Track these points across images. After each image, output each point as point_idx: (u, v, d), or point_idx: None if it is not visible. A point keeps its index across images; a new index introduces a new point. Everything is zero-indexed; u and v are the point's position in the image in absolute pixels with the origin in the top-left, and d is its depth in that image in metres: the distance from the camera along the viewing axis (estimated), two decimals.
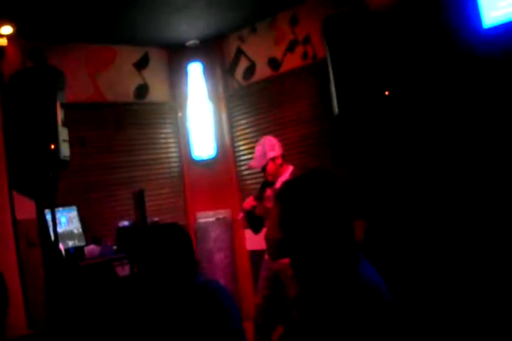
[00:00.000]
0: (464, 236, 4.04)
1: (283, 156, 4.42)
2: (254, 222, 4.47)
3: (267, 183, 4.46)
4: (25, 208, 4.98)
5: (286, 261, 4.11)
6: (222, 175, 6.37)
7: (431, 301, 4.03)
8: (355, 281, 1.80)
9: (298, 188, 1.93)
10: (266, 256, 4.40)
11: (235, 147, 6.35)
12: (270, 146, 4.38)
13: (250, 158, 6.07)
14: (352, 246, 1.89)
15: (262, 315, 4.34)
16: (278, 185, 4.34)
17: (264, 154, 4.36)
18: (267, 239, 4.40)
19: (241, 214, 4.53)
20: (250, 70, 6.15)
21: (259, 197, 4.42)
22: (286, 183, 2.02)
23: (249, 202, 4.41)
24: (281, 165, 4.36)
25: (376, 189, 4.58)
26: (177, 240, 2.42)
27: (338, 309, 1.76)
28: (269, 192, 4.42)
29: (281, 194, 1.97)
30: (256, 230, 4.53)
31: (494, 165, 3.97)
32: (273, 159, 4.35)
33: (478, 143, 4.04)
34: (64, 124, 4.66)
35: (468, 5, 4.02)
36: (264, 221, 4.39)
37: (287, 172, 4.35)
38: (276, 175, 4.37)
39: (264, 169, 4.40)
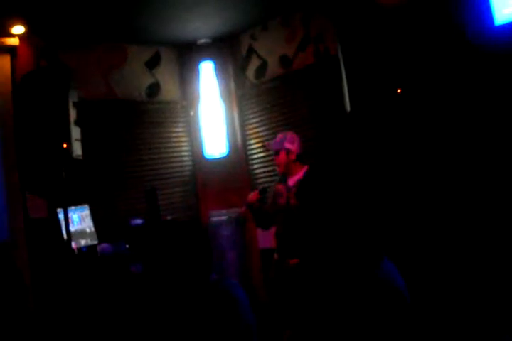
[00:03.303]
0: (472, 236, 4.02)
1: (300, 156, 4.39)
2: (259, 217, 4.47)
3: (281, 179, 4.45)
4: (38, 206, 5.01)
5: (294, 261, 4.12)
6: (234, 174, 6.36)
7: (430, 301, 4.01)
8: (376, 278, 1.79)
9: (317, 188, 1.94)
10: (275, 255, 4.39)
11: (247, 145, 6.34)
12: (290, 139, 4.38)
13: (262, 157, 6.11)
14: (373, 245, 1.88)
15: (271, 314, 4.33)
16: (291, 182, 4.33)
17: (282, 142, 4.36)
18: (277, 237, 4.40)
19: (243, 208, 4.53)
20: (262, 68, 6.14)
21: (263, 191, 4.44)
22: (304, 184, 2.02)
23: (253, 195, 4.41)
24: (293, 161, 4.34)
25: (388, 186, 4.56)
26: (192, 237, 2.42)
27: (358, 304, 1.75)
28: (281, 188, 4.40)
29: (301, 195, 1.98)
30: (263, 226, 4.53)
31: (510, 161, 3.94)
32: (287, 151, 4.33)
33: (490, 140, 4.01)
34: (76, 123, 4.68)
35: (479, 1, 3.99)
36: (274, 217, 4.38)
37: (301, 172, 4.33)
38: (288, 170, 4.35)
39: (276, 154, 4.39)
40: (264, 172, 6.07)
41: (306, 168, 4.36)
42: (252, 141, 6.29)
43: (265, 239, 5.40)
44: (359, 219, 1.88)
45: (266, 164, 6.06)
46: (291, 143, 4.36)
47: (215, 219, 6.21)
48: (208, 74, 6.44)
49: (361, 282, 1.82)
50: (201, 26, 5.89)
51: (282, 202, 4.33)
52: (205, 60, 6.43)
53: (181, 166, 6.51)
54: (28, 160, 4.93)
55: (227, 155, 6.39)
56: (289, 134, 4.43)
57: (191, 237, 2.41)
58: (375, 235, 1.92)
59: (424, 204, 4.31)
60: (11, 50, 5.13)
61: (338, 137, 5.23)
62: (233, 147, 6.38)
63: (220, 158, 6.40)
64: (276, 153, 4.39)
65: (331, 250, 1.88)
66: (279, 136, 4.45)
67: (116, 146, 5.94)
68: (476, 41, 3.98)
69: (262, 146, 5.83)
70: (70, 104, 4.63)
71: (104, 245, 5.15)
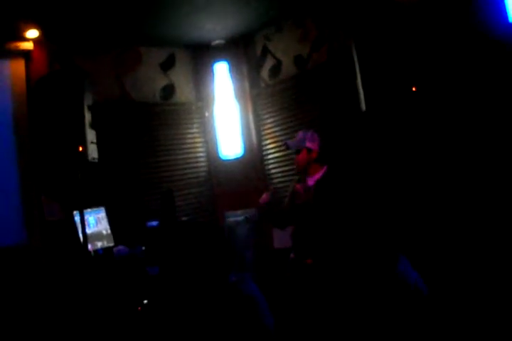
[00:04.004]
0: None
1: (320, 156, 4.37)
2: (273, 217, 4.47)
3: (299, 179, 4.44)
4: (55, 210, 5.03)
5: (310, 261, 4.10)
6: (249, 174, 6.34)
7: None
8: (392, 279, 1.78)
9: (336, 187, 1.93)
10: (292, 255, 4.38)
11: (263, 146, 6.33)
12: (311, 138, 4.36)
13: (278, 157, 6.09)
14: (390, 244, 1.87)
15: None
16: (310, 182, 4.31)
17: (303, 141, 4.34)
18: (294, 237, 4.39)
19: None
20: (276, 68, 6.12)
21: (273, 193, 4.45)
22: (322, 184, 2.01)
23: (264, 198, 4.41)
24: (315, 160, 4.32)
25: (403, 184, 4.53)
26: (209, 238, 2.42)
27: (375, 306, 1.75)
28: (299, 188, 4.38)
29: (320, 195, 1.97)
30: (279, 226, 4.53)
31: None
32: (309, 150, 4.31)
33: (508, 136, 3.97)
34: (91, 126, 4.69)
35: (495, 0, 3.96)
36: (291, 217, 4.36)
37: (320, 172, 4.31)
38: (306, 170, 4.33)
39: (297, 153, 4.37)
40: (279, 172, 6.05)
41: (325, 168, 4.34)
42: (268, 141, 6.27)
43: (281, 239, 5.39)
44: (376, 219, 1.87)
45: (281, 164, 6.04)
46: (312, 141, 4.34)
47: (230, 219, 6.21)
48: (222, 74, 6.44)
49: (381, 280, 1.81)
50: (215, 27, 5.89)
51: (300, 203, 4.31)
52: (219, 60, 6.43)
53: (197, 167, 6.51)
54: (43, 163, 4.96)
55: (243, 156, 6.38)
56: (310, 133, 4.41)
57: (208, 238, 2.41)
58: (392, 235, 1.91)
59: (443, 201, 4.28)
60: (26, 54, 5.17)
61: (355, 136, 5.20)
62: (248, 147, 6.37)
63: (235, 159, 6.39)
64: (298, 151, 4.37)
65: (348, 250, 1.88)
66: (300, 134, 4.42)
67: (132, 148, 5.95)
68: (491, 38, 3.95)
69: (283, 145, 5.82)
70: (85, 107, 4.64)
71: (121, 247, 5.16)
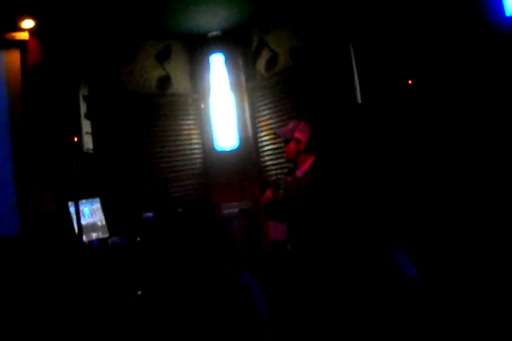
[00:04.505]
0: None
1: (310, 146, 4.37)
2: (276, 210, 4.47)
3: (289, 170, 4.45)
4: (49, 200, 5.02)
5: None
6: (245, 166, 6.35)
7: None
8: (389, 273, 1.78)
9: (328, 181, 1.93)
10: (288, 247, 4.38)
11: (258, 138, 6.32)
12: (301, 129, 4.36)
13: (273, 149, 6.09)
14: (385, 238, 1.87)
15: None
16: (299, 174, 4.31)
17: (293, 131, 4.35)
18: (289, 229, 4.38)
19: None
20: (272, 60, 6.10)
21: (277, 186, 4.44)
22: (315, 176, 2.01)
23: (269, 193, 4.40)
24: (303, 151, 4.33)
25: (399, 177, 4.53)
26: (204, 229, 2.42)
27: (373, 300, 1.74)
28: (290, 180, 4.39)
29: (313, 189, 1.97)
30: (279, 218, 4.53)
31: None
32: (297, 141, 4.32)
33: (503, 131, 3.97)
34: (87, 117, 4.69)
35: None
36: (286, 209, 4.37)
37: (307, 162, 4.31)
38: (297, 162, 4.34)
39: (285, 143, 4.38)
40: (275, 164, 6.05)
41: (312, 158, 4.34)
42: (263, 133, 6.26)
43: (277, 230, 5.40)
44: (368, 211, 1.86)
45: (277, 156, 6.04)
46: (301, 132, 4.35)
47: (226, 211, 6.21)
48: (218, 66, 6.42)
49: (375, 271, 1.81)
50: (211, 19, 5.87)
51: (292, 195, 4.33)
52: (215, 52, 6.41)
53: (192, 159, 6.51)
54: (38, 153, 4.95)
55: (238, 148, 6.38)
56: (301, 124, 4.42)
57: (203, 229, 2.41)
58: (384, 226, 1.91)
59: (434, 196, 4.28)
60: (21, 44, 5.15)
61: (350, 128, 5.20)
62: (244, 139, 6.37)
63: (230, 151, 6.40)
64: (287, 141, 4.38)
65: (341, 240, 1.88)
66: (291, 124, 4.43)
67: (127, 139, 5.94)
68: (488, 31, 3.95)
69: (273, 133, 5.80)
70: (81, 98, 4.64)
71: (115, 238, 5.16)
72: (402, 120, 4.49)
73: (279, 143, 4.81)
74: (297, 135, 4.32)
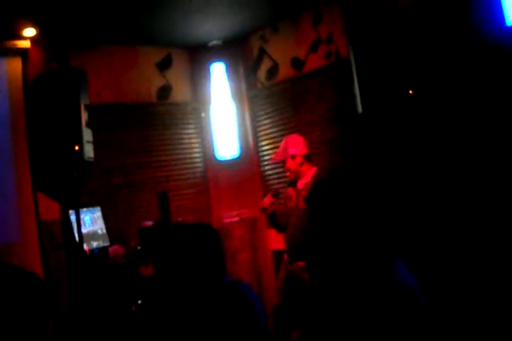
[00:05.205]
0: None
1: (307, 156, 4.37)
2: (275, 220, 4.45)
3: (290, 183, 4.44)
4: (50, 208, 5.02)
5: (302, 263, 4.08)
6: (245, 175, 6.35)
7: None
8: (388, 283, 1.77)
9: (326, 191, 1.92)
10: (285, 257, 4.38)
11: (259, 147, 6.33)
12: (293, 143, 4.36)
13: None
14: (385, 247, 1.87)
15: (280, 315, 4.31)
16: (300, 185, 4.31)
17: (285, 149, 4.35)
18: (287, 239, 4.39)
19: (258, 213, 4.52)
20: (273, 70, 6.12)
21: (276, 194, 4.41)
22: (313, 187, 2.00)
23: (267, 199, 4.37)
24: (300, 164, 4.32)
25: (401, 188, 4.53)
26: (205, 240, 2.42)
27: (371, 312, 1.74)
28: (291, 191, 4.40)
29: (310, 198, 1.96)
30: (279, 228, 4.51)
31: None
32: (293, 156, 4.32)
33: (504, 141, 3.97)
34: (88, 126, 4.69)
35: (492, 3, 3.97)
36: (286, 220, 4.37)
37: (310, 174, 4.31)
38: (298, 174, 4.34)
39: (284, 163, 4.40)
40: (276, 173, 6.05)
41: (314, 169, 4.34)
42: (264, 143, 6.27)
43: (277, 240, 5.40)
44: (369, 222, 1.86)
45: (277, 165, 6.02)
46: (294, 146, 4.34)
47: (226, 220, 6.21)
48: (219, 75, 6.44)
49: (375, 283, 1.80)
50: (212, 28, 5.88)
51: (292, 205, 4.33)
52: (216, 61, 6.43)
53: (193, 168, 6.50)
54: (40, 162, 4.95)
55: (239, 157, 6.38)
56: (291, 138, 4.43)
57: (202, 239, 2.41)
58: (386, 236, 1.90)
59: (436, 205, 4.28)
60: (23, 52, 5.15)
61: (350, 139, 5.20)
62: (245, 148, 6.37)
63: (231, 160, 6.40)
64: (283, 161, 4.39)
65: (341, 251, 1.87)
66: (282, 143, 4.45)
67: (128, 148, 5.93)
68: (488, 42, 3.96)
69: (270, 163, 5.81)
70: (82, 107, 4.64)
71: (116, 247, 5.16)
72: (403, 129, 4.49)
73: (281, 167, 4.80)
74: (291, 151, 4.33)
